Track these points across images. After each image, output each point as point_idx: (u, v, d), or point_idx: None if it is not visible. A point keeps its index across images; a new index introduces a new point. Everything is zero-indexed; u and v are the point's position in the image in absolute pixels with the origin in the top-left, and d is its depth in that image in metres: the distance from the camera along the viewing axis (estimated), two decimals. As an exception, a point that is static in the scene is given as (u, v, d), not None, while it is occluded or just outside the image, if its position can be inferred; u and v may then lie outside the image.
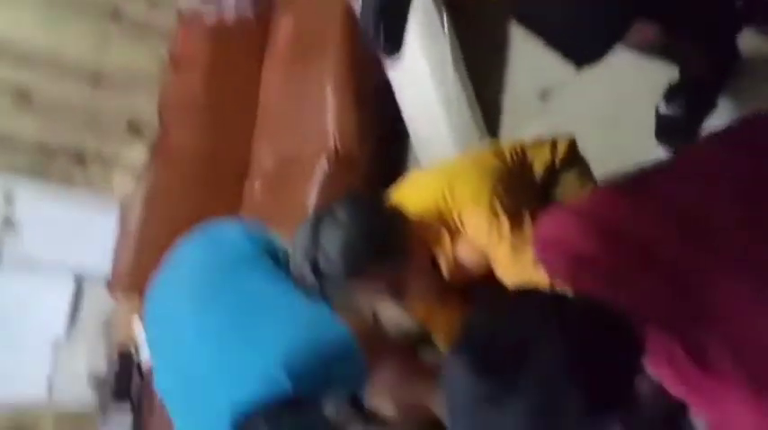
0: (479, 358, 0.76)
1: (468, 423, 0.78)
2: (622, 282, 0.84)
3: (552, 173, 1.40)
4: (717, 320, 0.78)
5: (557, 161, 1.40)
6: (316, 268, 1.14)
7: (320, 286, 1.15)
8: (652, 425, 1.33)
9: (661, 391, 1.27)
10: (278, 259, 1.37)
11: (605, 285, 0.84)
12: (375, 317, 1.53)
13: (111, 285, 1.97)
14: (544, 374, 0.73)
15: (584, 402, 0.72)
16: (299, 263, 1.17)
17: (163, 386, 1.38)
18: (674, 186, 0.91)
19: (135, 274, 1.82)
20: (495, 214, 1.24)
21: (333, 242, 1.14)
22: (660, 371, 0.80)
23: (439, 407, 1.43)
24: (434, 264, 1.36)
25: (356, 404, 1.70)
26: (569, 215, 0.95)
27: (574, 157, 1.42)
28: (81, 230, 1.96)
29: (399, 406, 1.54)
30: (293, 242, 1.20)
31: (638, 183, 0.94)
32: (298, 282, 1.22)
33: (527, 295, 0.84)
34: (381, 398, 1.65)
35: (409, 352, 1.45)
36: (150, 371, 1.85)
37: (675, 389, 0.81)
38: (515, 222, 1.25)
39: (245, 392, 1.16)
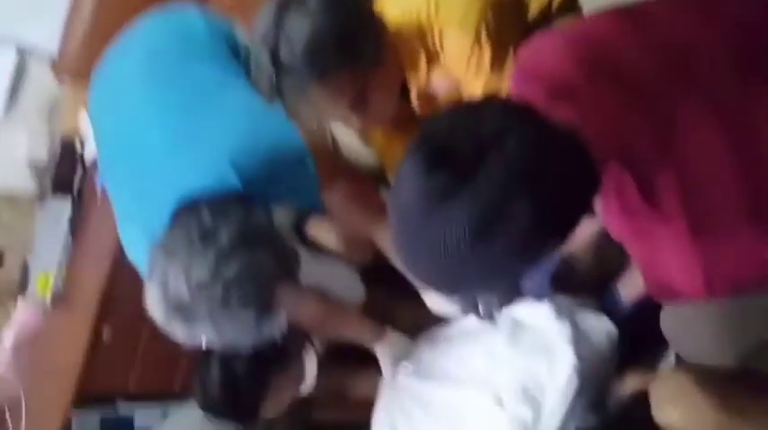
0: (434, 154, 0.71)
1: (411, 226, 0.74)
2: (598, 111, 0.78)
3: (547, 16, 1.29)
4: (681, 161, 0.76)
5: (554, 4, 1.30)
6: (276, 57, 1.04)
7: (277, 81, 1.06)
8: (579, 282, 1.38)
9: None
10: (238, 55, 1.27)
11: (579, 113, 0.78)
12: (333, 140, 1.47)
13: (58, 67, 1.83)
14: (498, 177, 0.69)
15: (531, 216, 0.69)
16: (258, 49, 1.07)
17: (107, 176, 1.32)
18: (667, 19, 0.84)
19: (85, 58, 1.68)
20: (479, 42, 1.14)
21: (298, 30, 1.03)
22: (607, 202, 0.79)
23: (384, 242, 1.42)
24: (404, 90, 1.28)
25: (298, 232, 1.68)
26: (555, 38, 0.88)
27: (572, 4, 1.32)
28: (30, 2, 1.77)
29: (343, 235, 1.53)
30: (253, 25, 1.09)
31: (630, 13, 0.86)
32: (255, 78, 1.13)
33: (492, 99, 0.78)
34: (324, 228, 1.63)
35: (362, 182, 1.41)
36: (94, 165, 1.78)
37: (617, 224, 0.80)
38: (497, 57, 1.17)
39: (192, 183, 1.12)
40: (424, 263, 0.74)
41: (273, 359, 1.39)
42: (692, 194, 0.76)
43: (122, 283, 1.66)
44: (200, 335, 1.06)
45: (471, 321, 1.45)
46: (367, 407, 1.57)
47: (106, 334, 1.67)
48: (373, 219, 1.39)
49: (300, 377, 1.46)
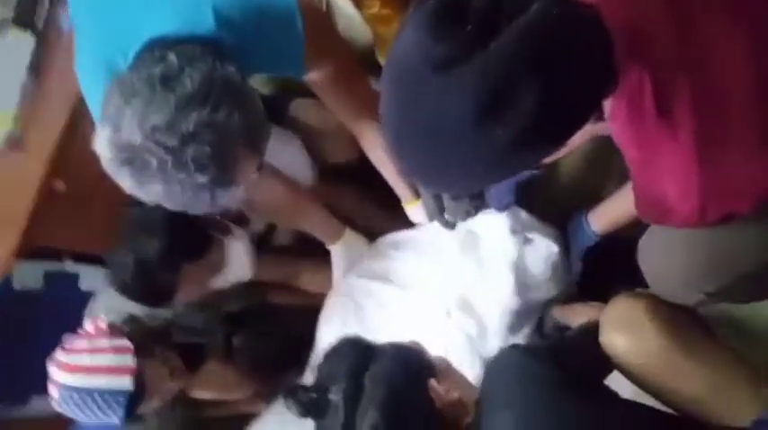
0: (444, 13, 0.64)
1: (406, 95, 0.68)
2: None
3: None
4: (700, 69, 0.72)
5: None
6: None
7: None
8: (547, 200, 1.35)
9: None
10: None
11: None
12: (328, 7, 1.37)
13: None
14: (513, 49, 0.63)
15: (539, 101, 0.64)
16: None
17: (76, 11, 1.20)
18: None
19: None
20: None
21: None
22: (618, 106, 0.74)
23: (367, 138, 1.36)
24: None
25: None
26: None
27: None
28: None
29: (325, 114, 1.46)
30: None
31: None
32: None
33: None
34: (312, 110, 1.55)
35: (353, 63, 1.32)
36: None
37: (623, 131, 0.77)
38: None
39: (166, 25, 1.02)
40: (413, 141, 0.69)
41: (190, 247, 1.34)
42: (706, 109, 0.72)
43: (83, 136, 1.56)
44: (149, 191, 0.98)
45: (430, 227, 1.42)
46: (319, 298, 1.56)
47: (59, 185, 1.59)
48: (359, 110, 1.32)
49: (218, 266, 1.41)
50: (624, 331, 0.95)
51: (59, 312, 1.75)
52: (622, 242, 1.20)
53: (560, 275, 1.32)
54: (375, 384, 0.84)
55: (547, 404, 0.86)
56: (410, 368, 0.89)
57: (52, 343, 1.72)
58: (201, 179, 0.96)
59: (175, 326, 1.50)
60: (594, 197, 1.29)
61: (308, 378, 1.43)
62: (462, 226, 1.35)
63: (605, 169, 1.33)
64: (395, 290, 1.41)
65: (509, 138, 0.64)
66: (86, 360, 1.25)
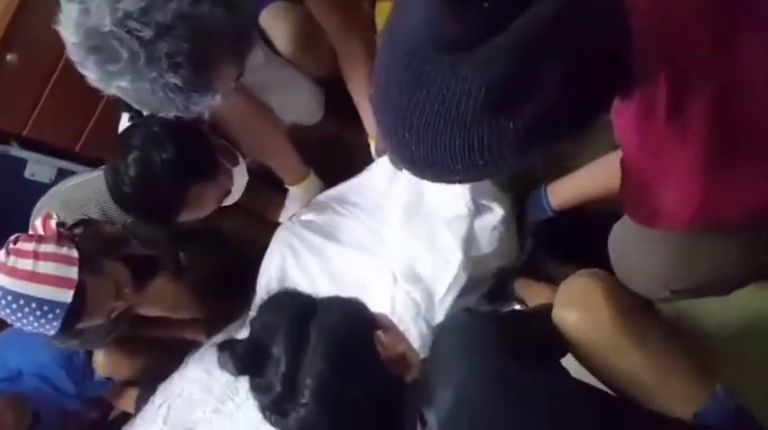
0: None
1: (411, 68, 0.60)
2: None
3: None
4: (726, 80, 0.67)
5: None
6: None
7: None
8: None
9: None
10: None
11: None
12: None
13: None
14: (533, 35, 0.57)
15: (558, 90, 0.59)
16: None
17: None
18: None
19: None
20: None
21: None
22: (628, 102, 0.69)
23: (351, 60, 1.28)
24: None
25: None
26: None
27: None
28: None
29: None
30: None
31: None
32: None
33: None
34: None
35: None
36: None
37: (628, 128, 0.72)
38: None
39: None
40: (417, 130, 0.61)
41: (200, 166, 1.25)
42: (723, 121, 0.67)
43: (42, 9, 1.44)
44: (117, 86, 0.89)
45: (377, 180, 1.36)
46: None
47: (11, 59, 1.47)
48: (347, 23, 1.24)
49: (224, 191, 1.34)
50: (577, 307, 0.93)
51: (2, 196, 1.67)
52: (580, 220, 1.20)
53: (507, 247, 1.27)
54: (320, 334, 0.79)
55: (493, 366, 0.84)
56: (355, 319, 0.86)
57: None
58: (174, 80, 0.88)
59: (133, 235, 1.43)
60: (562, 170, 1.23)
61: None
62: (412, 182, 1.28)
63: (582, 144, 1.29)
64: (338, 247, 1.36)
65: (523, 127, 0.59)
66: (30, 265, 1.18)
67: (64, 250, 1.21)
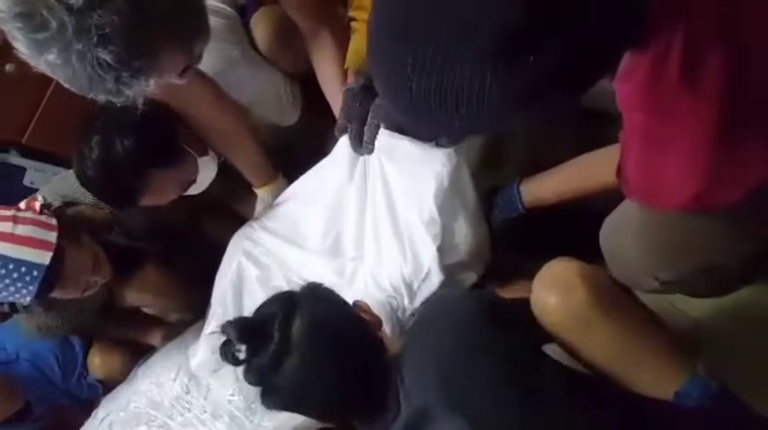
0: None
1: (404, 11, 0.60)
2: None
3: None
4: (740, 37, 0.64)
5: None
6: None
7: None
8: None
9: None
10: None
11: None
12: None
13: None
14: None
15: (576, 25, 0.57)
16: None
17: None
18: None
19: None
20: None
21: None
22: (637, 66, 0.67)
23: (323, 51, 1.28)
24: None
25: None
26: None
27: None
28: None
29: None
30: None
31: None
32: None
33: None
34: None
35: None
36: None
37: (636, 94, 0.69)
38: None
39: None
40: (419, 49, 0.58)
41: (161, 153, 1.28)
42: (738, 84, 0.64)
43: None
44: (47, 60, 0.85)
45: (342, 167, 1.29)
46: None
47: (9, 69, 1.50)
48: (317, 22, 1.26)
49: (188, 180, 1.36)
50: (554, 290, 0.94)
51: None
52: (549, 218, 1.19)
53: (478, 245, 1.23)
54: (306, 305, 0.91)
55: (476, 337, 0.87)
56: (333, 297, 0.98)
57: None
58: (103, 55, 0.84)
59: (118, 224, 1.46)
60: (538, 168, 1.23)
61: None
62: (379, 172, 1.22)
63: (564, 144, 1.27)
64: (299, 252, 1.32)
65: (534, 73, 0.57)
66: (9, 227, 1.20)
67: (43, 217, 1.24)
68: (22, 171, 1.73)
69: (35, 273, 1.19)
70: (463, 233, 1.17)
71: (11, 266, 1.18)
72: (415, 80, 0.59)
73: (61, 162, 1.79)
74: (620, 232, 0.94)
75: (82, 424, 1.54)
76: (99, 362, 1.64)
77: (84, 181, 1.28)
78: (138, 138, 1.22)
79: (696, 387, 0.89)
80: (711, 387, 0.90)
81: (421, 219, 1.15)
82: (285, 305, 0.92)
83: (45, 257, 1.20)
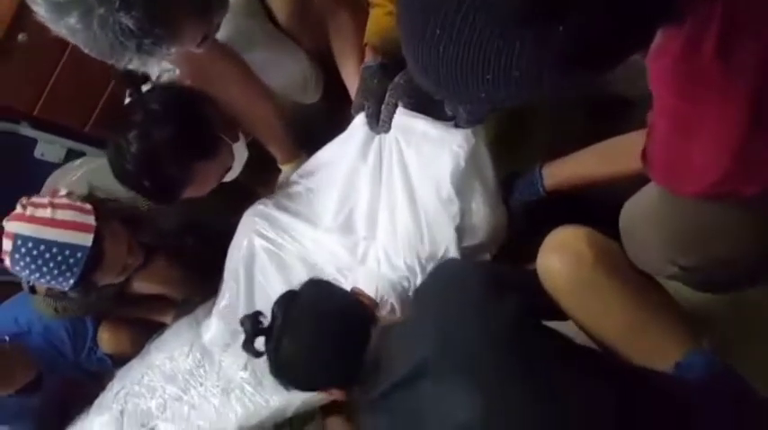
0: None
1: None
2: None
3: None
4: None
5: None
6: None
7: None
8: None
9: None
10: None
11: None
12: None
13: None
14: None
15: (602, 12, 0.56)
16: None
17: None
18: None
19: None
20: None
21: None
22: (672, 42, 0.65)
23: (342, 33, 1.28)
24: None
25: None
26: None
27: None
28: None
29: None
30: None
31: None
32: None
33: None
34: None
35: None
36: None
37: (668, 70, 0.68)
38: None
39: None
40: (449, 13, 0.57)
41: (201, 144, 1.25)
42: None
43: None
44: (64, 23, 0.84)
45: (356, 145, 1.27)
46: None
47: (22, 39, 1.49)
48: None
49: (225, 168, 1.35)
50: (560, 252, 0.94)
51: (11, 175, 1.69)
52: (567, 203, 1.18)
53: (496, 227, 1.22)
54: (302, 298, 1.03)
55: (477, 300, 0.88)
56: (330, 284, 1.09)
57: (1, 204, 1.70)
58: (125, 20, 0.84)
59: (150, 222, 1.44)
60: (555, 154, 1.22)
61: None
62: (395, 152, 1.21)
63: (581, 129, 1.28)
64: (312, 230, 1.31)
65: (563, 42, 0.56)
66: (48, 213, 1.20)
67: (77, 203, 1.25)
68: (32, 143, 1.72)
69: (79, 255, 1.19)
70: (482, 215, 1.16)
71: (54, 250, 1.18)
72: (444, 49, 0.58)
73: (72, 135, 1.79)
74: (642, 215, 0.93)
75: (92, 395, 1.56)
76: (109, 338, 1.65)
77: (123, 176, 1.24)
78: (177, 132, 1.19)
79: (699, 359, 0.89)
80: (716, 362, 0.89)
81: (439, 199, 1.14)
82: (287, 295, 1.04)
83: (87, 239, 1.20)
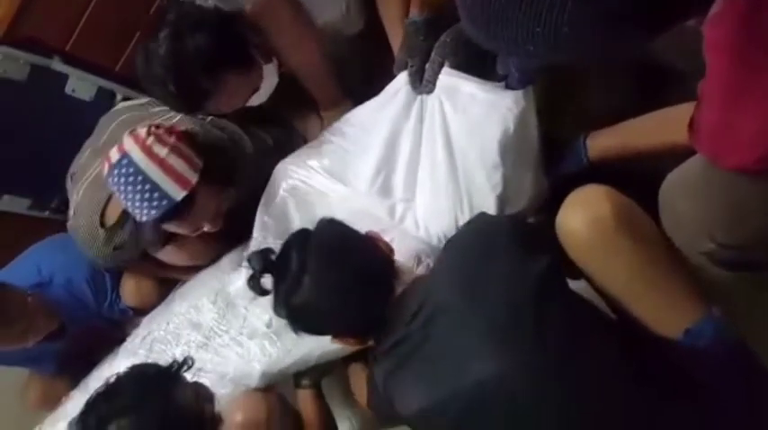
0: None
1: None
2: None
3: None
4: None
5: None
6: None
7: None
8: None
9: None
10: None
11: None
12: None
13: None
14: None
15: None
16: None
17: None
18: None
19: None
20: None
21: None
22: (732, 7, 0.63)
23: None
24: None
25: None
26: None
27: None
28: None
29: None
30: None
31: None
32: None
33: None
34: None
35: None
36: None
37: (725, 38, 0.65)
38: None
39: None
40: None
41: (232, 54, 1.24)
42: None
43: None
44: None
45: (396, 106, 1.24)
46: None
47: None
48: None
49: (253, 87, 1.33)
50: (580, 208, 0.94)
51: (42, 110, 1.69)
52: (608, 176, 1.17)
53: (536, 193, 1.20)
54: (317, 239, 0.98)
55: (503, 252, 0.89)
56: (344, 226, 1.03)
57: (31, 140, 1.70)
58: None
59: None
60: (598, 124, 1.19)
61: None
62: (439, 119, 1.17)
63: (625, 100, 1.25)
64: (345, 190, 1.30)
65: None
66: (164, 152, 1.21)
67: (194, 156, 1.25)
68: (64, 78, 1.70)
69: (164, 202, 1.21)
70: (526, 183, 1.14)
71: (148, 186, 1.20)
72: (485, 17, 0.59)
73: (103, 73, 1.78)
74: (683, 188, 0.92)
75: (114, 344, 1.58)
76: (132, 290, 1.66)
77: (150, 78, 1.23)
78: (210, 37, 1.18)
79: (710, 327, 0.89)
80: (728, 331, 0.89)
81: (483, 164, 1.11)
82: (301, 235, 1.00)
83: (180, 193, 1.21)
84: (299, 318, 0.98)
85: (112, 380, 1.10)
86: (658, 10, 0.58)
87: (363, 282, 0.96)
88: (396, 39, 1.26)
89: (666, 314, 0.91)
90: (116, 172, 1.21)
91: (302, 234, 1.00)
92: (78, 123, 1.65)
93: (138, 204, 1.21)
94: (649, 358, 0.89)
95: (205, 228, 1.32)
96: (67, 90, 1.73)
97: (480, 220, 1.01)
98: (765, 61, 0.63)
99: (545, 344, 0.83)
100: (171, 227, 1.28)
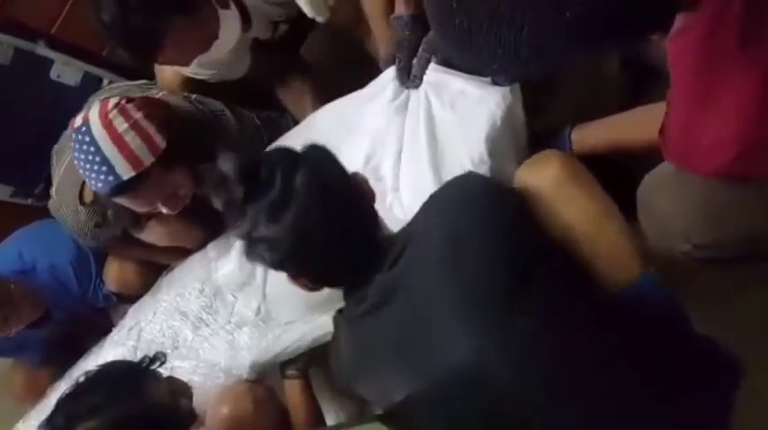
0: None
1: None
2: None
3: None
4: None
5: None
6: None
7: None
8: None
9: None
10: None
11: None
12: None
13: None
14: None
15: None
16: None
17: None
18: None
19: None
20: None
21: None
22: (694, 24, 0.65)
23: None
24: None
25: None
26: None
27: None
28: None
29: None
30: None
31: None
32: None
33: None
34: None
35: None
36: None
37: (688, 50, 0.68)
38: None
39: None
40: None
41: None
42: None
43: None
44: None
45: (383, 102, 1.24)
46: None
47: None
48: None
49: (209, 34, 1.31)
50: (533, 165, 1.01)
51: (26, 95, 1.67)
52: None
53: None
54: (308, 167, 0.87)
55: (482, 208, 0.89)
56: (335, 160, 0.94)
57: (14, 126, 1.68)
58: None
59: None
60: (585, 118, 1.20)
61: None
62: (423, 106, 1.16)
63: (612, 96, 1.27)
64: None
65: (578, 17, 0.57)
66: (123, 128, 1.21)
67: (158, 138, 1.23)
68: (49, 63, 1.68)
69: (111, 178, 1.20)
70: (511, 176, 1.10)
71: (98, 158, 1.19)
72: (459, 22, 0.61)
73: (89, 58, 1.76)
74: (659, 188, 0.94)
75: (99, 330, 1.58)
76: (115, 273, 1.65)
77: (102, 28, 1.22)
78: None
79: (648, 281, 0.92)
80: (663, 288, 0.92)
81: (470, 159, 1.11)
82: (289, 157, 0.89)
83: (128, 173, 1.20)
84: (271, 246, 0.86)
85: (81, 379, 1.07)
86: (615, 32, 0.61)
87: (351, 221, 0.90)
88: (381, 34, 1.26)
89: (619, 261, 0.94)
90: (74, 137, 1.22)
91: (291, 154, 0.89)
92: (63, 109, 1.62)
93: (87, 174, 1.22)
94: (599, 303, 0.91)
95: (163, 210, 1.30)
96: (52, 75, 1.71)
97: (456, 180, 0.98)
98: (726, 71, 0.66)
99: (521, 303, 0.81)
100: (123, 202, 1.28)
